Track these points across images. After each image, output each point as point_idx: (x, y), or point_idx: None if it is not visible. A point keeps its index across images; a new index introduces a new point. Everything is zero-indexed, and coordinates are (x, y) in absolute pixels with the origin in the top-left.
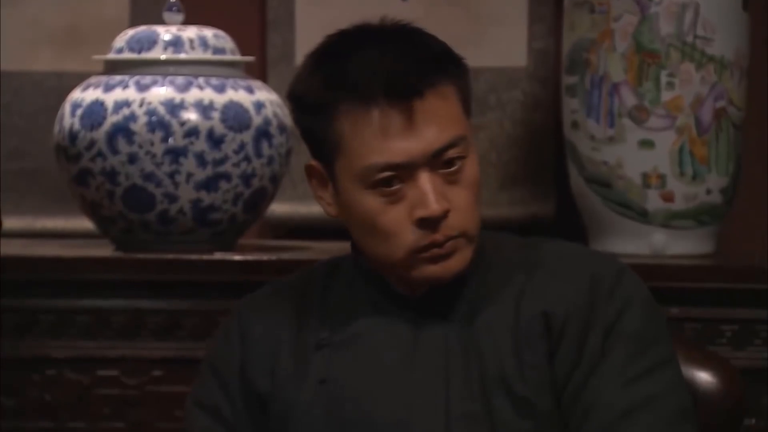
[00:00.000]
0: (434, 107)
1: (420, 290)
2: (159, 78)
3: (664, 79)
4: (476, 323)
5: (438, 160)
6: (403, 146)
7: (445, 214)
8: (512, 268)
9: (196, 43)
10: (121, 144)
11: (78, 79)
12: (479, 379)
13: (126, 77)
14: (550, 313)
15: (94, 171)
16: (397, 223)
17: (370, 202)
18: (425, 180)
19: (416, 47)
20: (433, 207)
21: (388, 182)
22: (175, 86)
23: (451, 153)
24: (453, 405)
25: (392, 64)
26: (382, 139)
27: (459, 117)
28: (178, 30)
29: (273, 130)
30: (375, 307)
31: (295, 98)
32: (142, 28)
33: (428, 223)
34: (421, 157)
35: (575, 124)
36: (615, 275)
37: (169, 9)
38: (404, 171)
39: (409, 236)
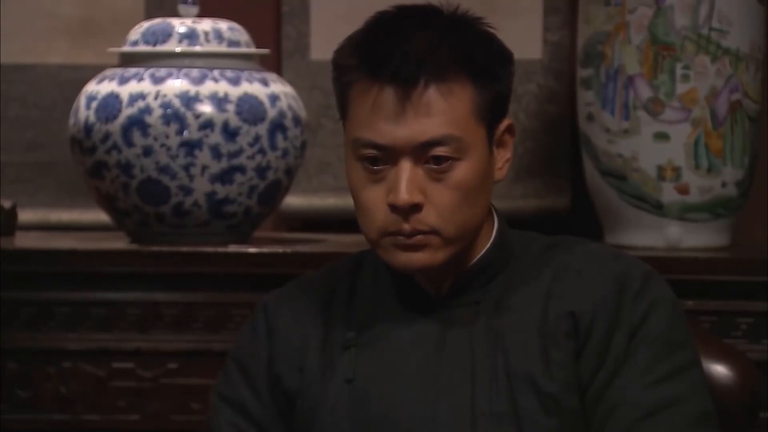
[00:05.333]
0: (433, 101)
1: (445, 287)
2: (174, 71)
3: (679, 71)
4: (503, 322)
5: (424, 154)
6: (389, 129)
7: (415, 207)
8: (539, 268)
9: (211, 36)
10: (136, 136)
11: (93, 71)
12: (505, 377)
13: (141, 70)
14: (578, 313)
15: (110, 163)
16: (373, 202)
17: (357, 174)
18: (404, 168)
19: (446, 38)
20: (402, 196)
21: (373, 160)
22: (190, 79)
23: (439, 150)
24: (479, 403)
25: (407, 49)
26: (374, 117)
27: (461, 118)
28: (193, 23)
29: (288, 122)
30: (400, 305)
31: (332, 57)
32: (157, 21)
33: (397, 211)
34: (405, 146)
35: (590, 117)
36: (642, 277)
37: (184, 1)
38: (388, 154)
39: (381, 217)
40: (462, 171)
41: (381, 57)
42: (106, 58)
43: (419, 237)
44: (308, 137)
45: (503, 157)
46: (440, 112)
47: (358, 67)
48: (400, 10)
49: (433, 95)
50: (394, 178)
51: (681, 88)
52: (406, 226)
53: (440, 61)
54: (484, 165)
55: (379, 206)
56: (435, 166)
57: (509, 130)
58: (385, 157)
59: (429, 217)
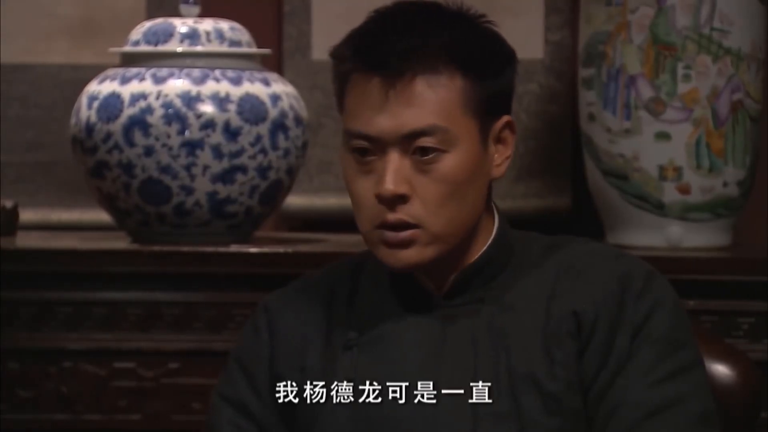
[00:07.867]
0: (419, 91)
1: (446, 286)
2: (175, 71)
3: (680, 71)
4: (505, 321)
5: (411, 145)
6: (376, 120)
7: (401, 198)
8: (542, 268)
9: (213, 36)
10: (138, 136)
11: (94, 71)
12: (507, 376)
13: (142, 70)
14: (581, 313)
15: (111, 163)
16: (363, 193)
17: (349, 166)
18: (391, 159)
19: (439, 31)
20: (387, 187)
21: (362, 152)
22: (191, 79)
23: (425, 141)
24: (480, 403)
25: (396, 39)
26: (362, 107)
27: (448, 109)
28: (195, 22)
29: (289, 122)
30: (402, 305)
31: (330, 51)
32: (158, 21)
33: (384, 201)
34: (391, 136)
35: (592, 117)
36: (644, 277)
37: (186, 1)
38: (377, 145)
39: (370, 209)
40: (449, 163)
41: (370, 47)
42: (107, 58)
43: (406, 233)
44: (309, 137)
45: (503, 154)
46: (426, 102)
47: (350, 58)
48: (401, 5)
49: (419, 85)
50: (381, 169)
51: (682, 87)
52: (390, 217)
53: (429, 51)
54: (475, 160)
55: (368, 197)
56: (421, 158)
57: (509, 126)
58: (373, 148)
59: (416, 210)
